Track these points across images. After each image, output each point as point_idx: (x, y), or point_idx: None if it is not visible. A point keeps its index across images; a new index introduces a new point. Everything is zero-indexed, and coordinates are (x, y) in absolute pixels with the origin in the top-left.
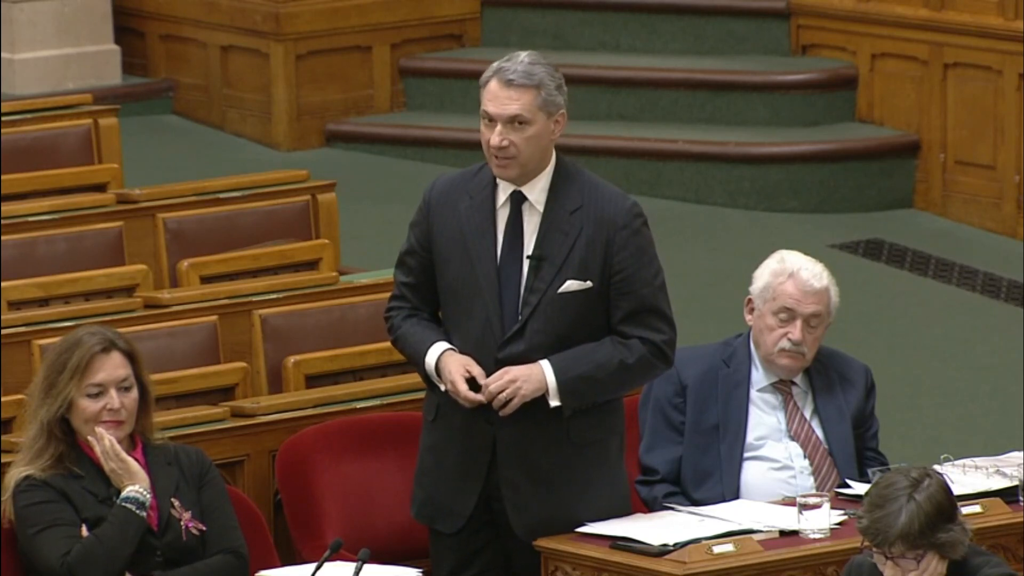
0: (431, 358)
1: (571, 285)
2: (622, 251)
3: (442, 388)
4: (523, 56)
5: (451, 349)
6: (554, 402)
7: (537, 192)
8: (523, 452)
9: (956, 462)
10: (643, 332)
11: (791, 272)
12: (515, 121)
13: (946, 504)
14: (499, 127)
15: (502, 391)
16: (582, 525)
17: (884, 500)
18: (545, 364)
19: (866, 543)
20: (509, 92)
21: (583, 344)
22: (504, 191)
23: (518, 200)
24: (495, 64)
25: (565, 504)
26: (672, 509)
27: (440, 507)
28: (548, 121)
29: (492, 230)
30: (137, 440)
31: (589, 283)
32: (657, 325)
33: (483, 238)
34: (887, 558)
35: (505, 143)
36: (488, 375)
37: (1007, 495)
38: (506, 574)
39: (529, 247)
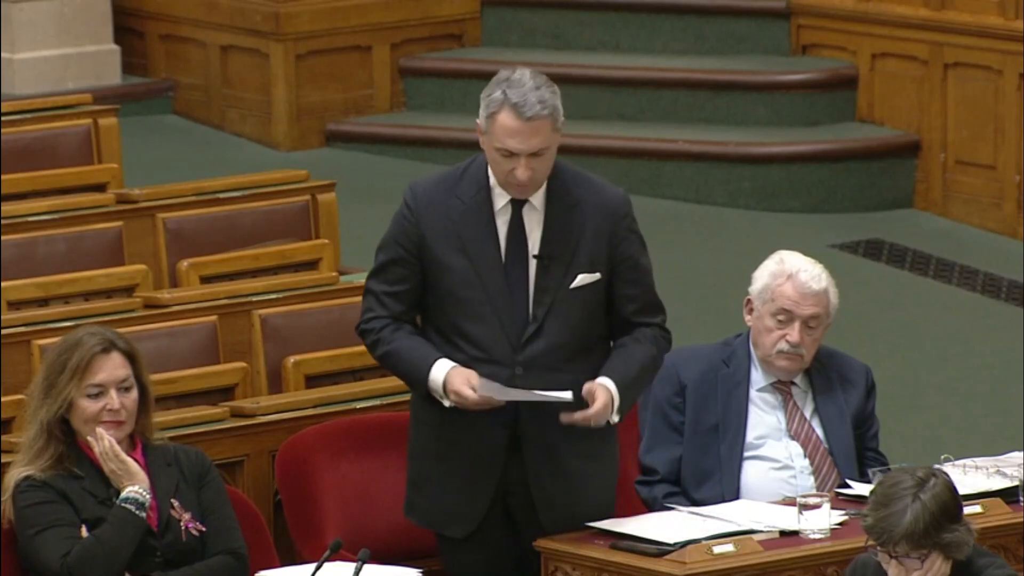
0: (439, 374)
1: (583, 279)
2: (625, 240)
3: (447, 403)
4: (527, 80)
5: (456, 365)
6: (615, 419)
7: (538, 194)
8: (549, 449)
9: (956, 462)
10: (655, 319)
11: (790, 274)
12: (538, 153)
13: (951, 504)
14: (523, 160)
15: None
16: (601, 513)
17: (889, 499)
18: (610, 384)
19: (871, 542)
20: (530, 126)
21: (620, 348)
22: (503, 196)
23: (518, 202)
24: (499, 95)
25: (585, 493)
26: (672, 509)
27: (450, 512)
28: (558, 136)
29: (493, 233)
30: (137, 441)
31: (598, 274)
32: (660, 309)
33: (485, 241)
34: (891, 557)
35: (530, 173)
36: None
37: (1007, 495)
38: (522, 570)
39: (532, 247)
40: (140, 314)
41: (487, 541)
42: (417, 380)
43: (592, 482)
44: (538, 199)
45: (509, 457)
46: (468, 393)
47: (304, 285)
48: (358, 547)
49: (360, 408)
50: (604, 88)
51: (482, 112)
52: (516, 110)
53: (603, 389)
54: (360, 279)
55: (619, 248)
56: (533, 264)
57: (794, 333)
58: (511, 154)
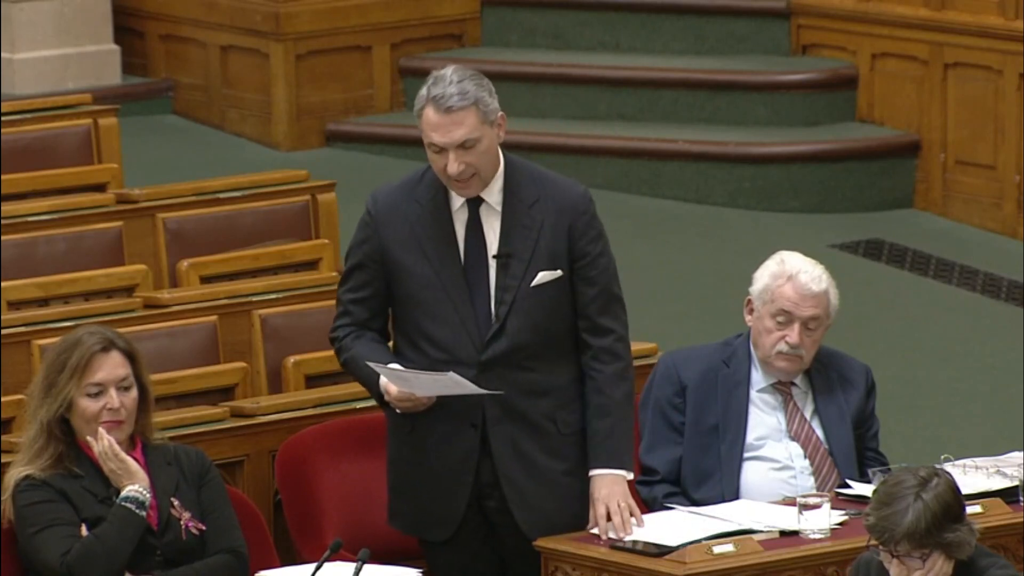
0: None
1: (543, 276)
2: (583, 237)
3: (398, 411)
4: (449, 75)
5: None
6: (631, 475)
7: (494, 193)
8: (517, 448)
9: (956, 462)
10: (609, 322)
11: (790, 275)
12: (465, 145)
13: (953, 504)
14: (451, 154)
15: (621, 519)
16: (576, 513)
17: (891, 498)
18: (614, 472)
19: (873, 541)
20: (450, 118)
21: (598, 413)
22: (460, 197)
23: (475, 203)
24: (424, 92)
25: (561, 494)
26: (672, 509)
27: (429, 516)
28: (492, 130)
29: (452, 235)
30: (137, 440)
31: (560, 271)
32: (617, 312)
33: (443, 243)
34: (893, 556)
35: (463, 167)
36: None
37: (1007, 495)
38: (504, 573)
39: (491, 247)
40: (140, 314)
41: (467, 545)
42: (370, 386)
43: (562, 480)
44: (495, 198)
45: (481, 459)
46: (392, 389)
47: (304, 285)
48: (358, 547)
49: (360, 408)
50: (604, 88)
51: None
52: (435, 103)
53: (599, 496)
54: None
55: (577, 244)
56: (493, 264)
57: (793, 334)
58: (440, 149)
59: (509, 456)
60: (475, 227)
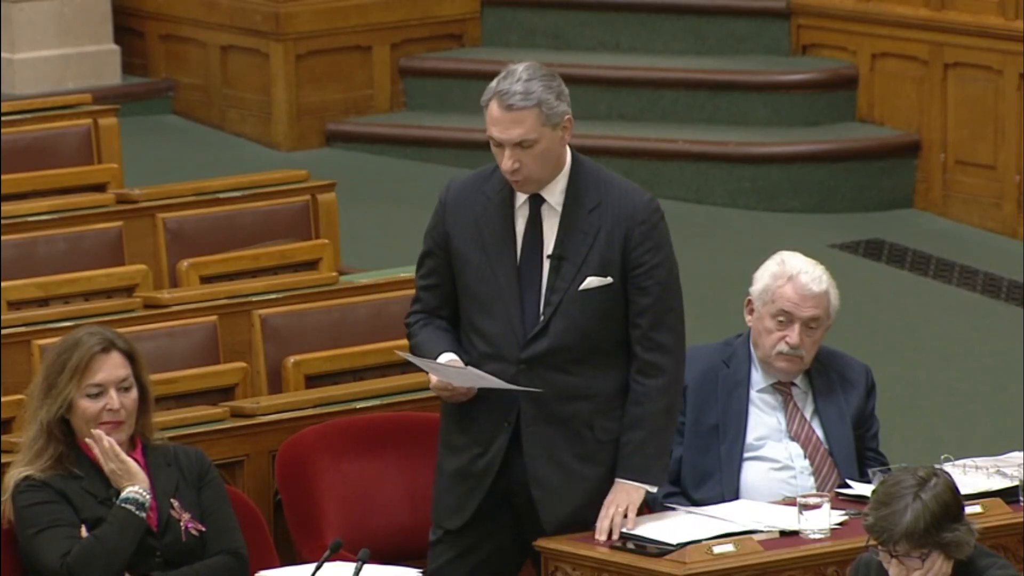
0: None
1: (592, 282)
2: (640, 246)
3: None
4: (520, 71)
5: (454, 359)
6: (654, 489)
7: (556, 194)
8: (550, 450)
9: (956, 462)
10: (661, 335)
11: (790, 275)
12: (522, 144)
13: (952, 504)
14: (508, 151)
15: (611, 523)
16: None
17: (890, 498)
18: (635, 484)
19: (872, 541)
20: (511, 115)
21: (631, 424)
22: (522, 193)
23: (537, 201)
24: (493, 84)
25: (590, 495)
26: (672, 509)
27: (447, 504)
28: (555, 132)
29: (511, 231)
30: (137, 441)
31: (610, 279)
32: (672, 324)
33: (502, 239)
34: (892, 556)
35: (517, 166)
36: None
37: (1007, 495)
38: (508, 571)
39: (548, 247)
40: (140, 314)
41: (490, 536)
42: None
43: (591, 485)
44: (556, 199)
45: (514, 457)
46: (432, 377)
47: (304, 285)
48: (358, 547)
49: (360, 408)
50: (604, 88)
51: None
52: (499, 98)
53: (607, 501)
54: (360, 279)
55: (632, 253)
56: (547, 264)
57: (793, 335)
58: (499, 144)
59: (541, 458)
60: (535, 225)
